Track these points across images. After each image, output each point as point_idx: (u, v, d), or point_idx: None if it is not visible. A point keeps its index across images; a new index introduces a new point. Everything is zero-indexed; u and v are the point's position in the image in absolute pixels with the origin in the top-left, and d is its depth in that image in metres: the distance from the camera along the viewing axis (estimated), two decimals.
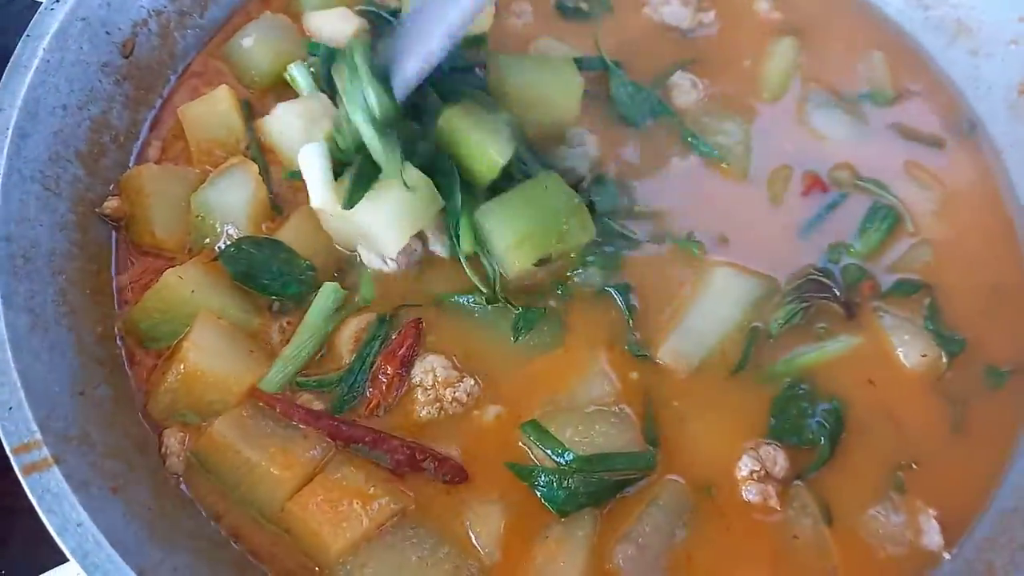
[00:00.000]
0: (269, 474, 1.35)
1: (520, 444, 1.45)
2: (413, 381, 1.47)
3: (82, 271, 1.52)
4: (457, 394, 1.46)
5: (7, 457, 1.23)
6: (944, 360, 1.58)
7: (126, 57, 1.70)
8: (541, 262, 1.55)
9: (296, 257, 1.55)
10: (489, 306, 1.53)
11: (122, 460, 1.34)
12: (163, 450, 1.41)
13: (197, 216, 1.57)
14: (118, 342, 1.51)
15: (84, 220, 1.56)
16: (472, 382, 1.48)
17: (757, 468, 1.42)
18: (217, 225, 1.57)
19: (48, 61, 1.54)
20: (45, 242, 1.46)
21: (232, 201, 1.58)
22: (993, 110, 1.90)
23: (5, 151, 1.43)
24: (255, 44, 1.78)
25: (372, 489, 1.36)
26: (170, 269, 1.50)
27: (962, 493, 1.49)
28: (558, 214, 1.53)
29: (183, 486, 1.40)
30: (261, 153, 1.68)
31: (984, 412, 1.56)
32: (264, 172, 1.64)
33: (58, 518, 1.19)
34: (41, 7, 1.57)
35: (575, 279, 1.59)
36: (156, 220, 1.57)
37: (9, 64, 1.50)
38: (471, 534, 1.37)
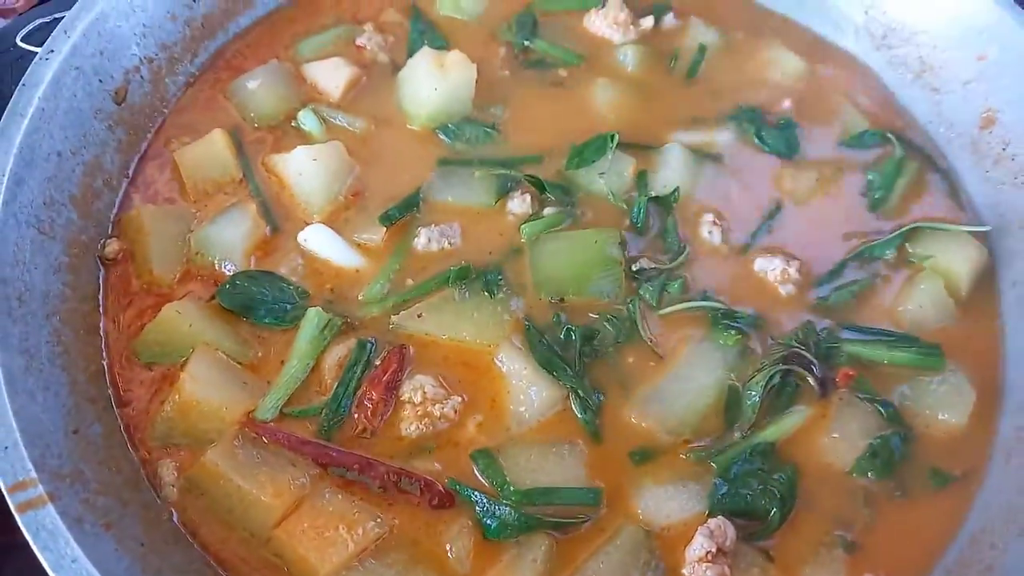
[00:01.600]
0: (260, 502, 1.39)
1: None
2: (403, 398, 1.52)
3: (74, 312, 1.56)
4: (445, 410, 1.51)
5: (1, 495, 1.25)
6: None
7: (119, 104, 1.76)
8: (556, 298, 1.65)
9: (289, 285, 1.64)
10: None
11: (114, 496, 1.37)
12: (158, 482, 1.45)
13: (196, 253, 1.66)
14: (106, 381, 1.55)
15: (77, 262, 1.61)
16: (459, 399, 1.53)
17: (712, 548, 1.40)
18: (215, 262, 1.66)
19: (43, 109, 1.59)
20: (39, 284, 1.50)
21: (230, 238, 1.68)
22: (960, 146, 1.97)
23: (1, 197, 1.47)
24: (259, 87, 1.89)
25: (356, 514, 1.40)
26: (168, 304, 1.57)
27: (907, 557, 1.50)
28: (592, 268, 1.66)
29: (175, 518, 1.44)
30: (259, 187, 1.77)
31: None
32: (264, 205, 1.74)
33: (53, 555, 1.21)
34: (36, 57, 1.63)
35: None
36: (155, 258, 1.64)
37: (5, 112, 1.55)
38: (449, 552, 1.41)
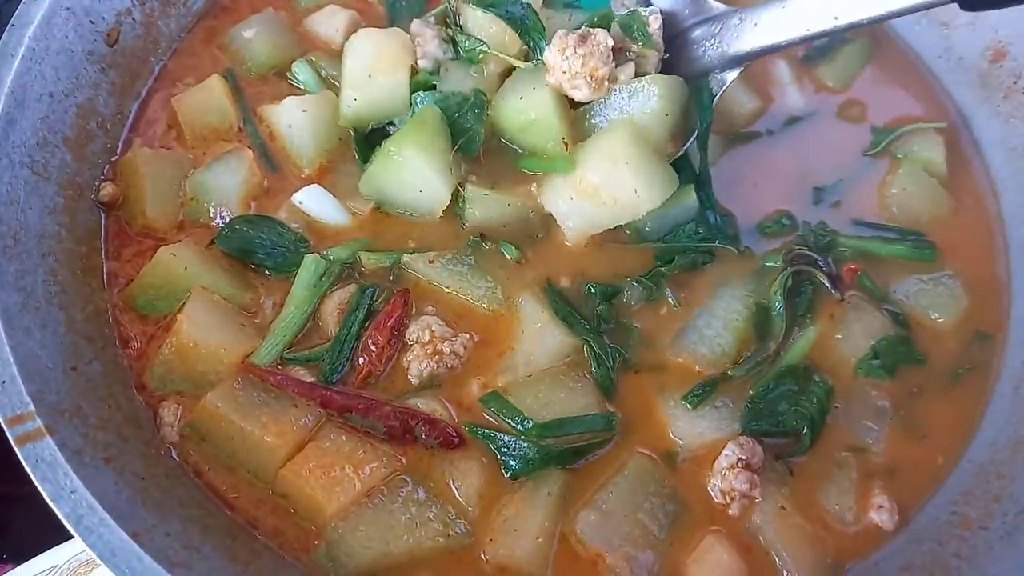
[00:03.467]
0: (263, 442, 1.39)
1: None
2: (410, 339, 1.51)
3: (71, 253, 1.55)
4: (455, 347, 1.50)
5: (5, 446, 1.25)
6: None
7: (111, 46, 1.73)
8: None
9: (288, 231, 1.61)
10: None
11: (114, 432, 1.37)
12: (158, 421, 1.45)
13: (192, 198, 1.64)
14: (110, 320, 1.54)
15: (72, 204, 1.59)
16: (467, 336, 1.52)
17: (743, 457, 1.43)
18: (210, 207, 1.63)
19: (34, 49, 1.56)
20: (34, 225, 1.49)
21: (226, 184, 1.66)
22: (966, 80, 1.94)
23: None
24: (255, 36, 1.86)
25: (363, 453, 1.40)
26: (163, 247, 1.56)
27: (915, 476, 1.53)
28: None
29: (174, 454, 1.44)
30: (258, 133, 1.75)
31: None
32: (263, 149, 1.72)
33: (52, 486, 1.22)
34: None
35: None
36: (148, 202, 1.63)
37: None
38: (454, 490, 1.41)
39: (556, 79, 1.57)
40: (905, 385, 1.58)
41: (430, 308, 1.57)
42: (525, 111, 1.60)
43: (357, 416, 1.44)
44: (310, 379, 1.48)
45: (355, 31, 1.78)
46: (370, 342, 1.51)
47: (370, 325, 1.53)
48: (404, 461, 1.43)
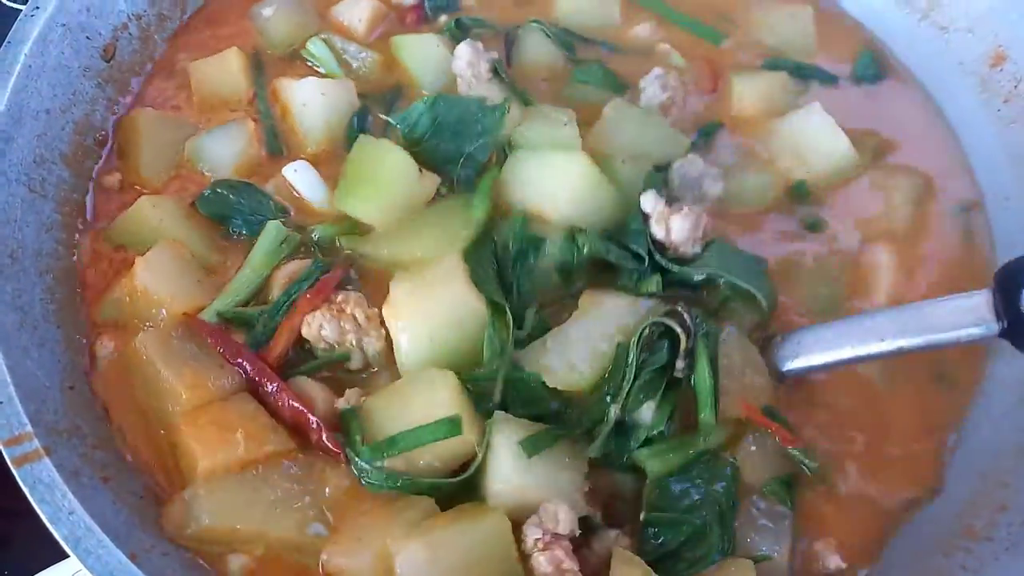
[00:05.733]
0: (173, 389, 1.36)
1: None
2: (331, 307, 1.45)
3: (68, 270, 1.55)
4: (359, 314, 1.45)
5: (6, 461, 1.25)
6: None
7: (107, 61, 1.73)
8: None
9: (268, 199, 1.63)
10: None
11: (111, 450, 1.37)
12: (93, 353, 1.48)
13: (187, 160, 1.68)
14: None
15: (70, 220, 1.59)
16: (376, 311, 1.46)
17: (539, 535, 1.25)
18: (204, 171, 1.68)
19: (30, 67, 1.56)
20: (31, 243, 1.49)
21: (224, 152, 1.69)
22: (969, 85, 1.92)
23: None
24: (274, 14, 1.88)
25: (261, 427, 1.35)
26: (144, 196, 1.60)
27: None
28: None
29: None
30: (270, 112, 1.76)
31: None
32: (270, 128, 1.74)
33: (50, 507, 1.21)
34: (21, 14, 1.60)
35: None
36: (144, 159, 1.67)
37: None
38: (325, 491, 1.34)
39: None
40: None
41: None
42: None
43: (272, 389, 1.39)
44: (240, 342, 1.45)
45: (379, 22, 1.88)
46: (298, 307, 1.46)
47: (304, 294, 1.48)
48: (295, 449, 1.36)
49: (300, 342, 1.47)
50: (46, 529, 1.22)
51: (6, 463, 1.25)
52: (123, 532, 1.22)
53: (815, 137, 1.78)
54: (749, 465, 1.41)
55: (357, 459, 1.33)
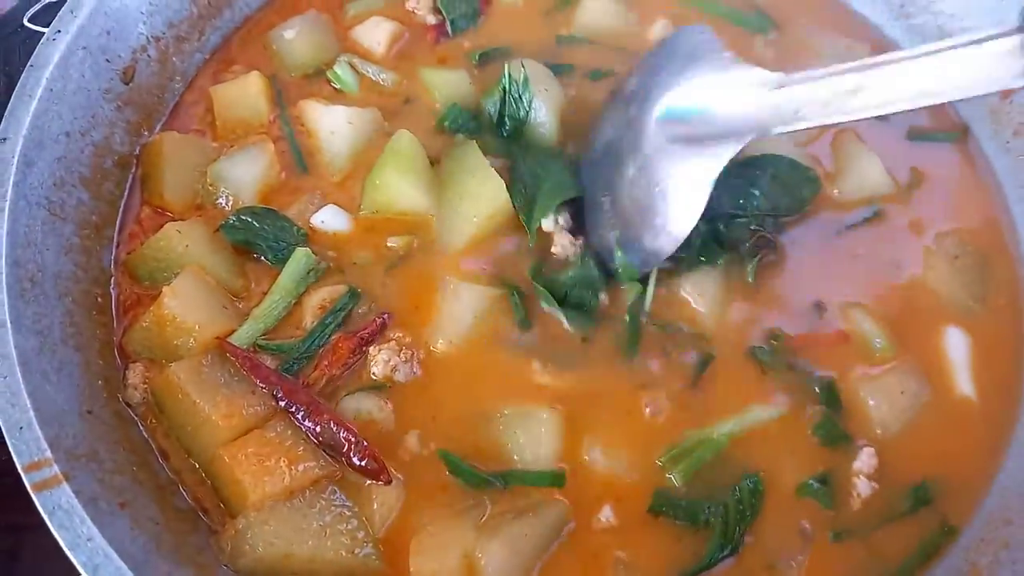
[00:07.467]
0: (209, 420, 1.40)
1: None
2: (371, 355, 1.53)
3: (87, 293, 1.56)
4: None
5: (18, 476, 1.26)
6: None
7: (127, 83, 1.75)
8: None
9: (291, 224, 1.66)
10: None
11: (129, 475, 1.38)
12: (125, 381, 1.50)
13: (210, 184, 1.68)
14: (116, 357, 1.56)
15: (89, 243, 1.61)
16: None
17: None
18: (225, 196, 1.69)
19: (51, 90, 1.58)
20: (51, 265, 1.51)
21: (245, 175, 1.71)
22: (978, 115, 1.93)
23: (11, 179, 1.46)
24: (296, 37, 1.91)
25: (301, 451, 1.39)
26: (171, 223, 1.61)
27: None
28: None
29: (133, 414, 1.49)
30: (293, 134, 1.79)
31: None
32: (296, 150, 1.77)
33: (69, 533, 1.22)
34: (43, 37, 1.62)
35: None
36: (167, 182, 1.68)
37: (14, 94, 1.54)
38: (376, 509, 1.40)
39: None
40: None
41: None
42: None
43: (302, 414, 1.42)
44: (273, 366, 1.50)
45: (397, 41, 1.91)
46: (337, 344, 1.53)
47: (341, 330, 1.55)
48: (339, 470, 1.41)
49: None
50: (55, 544, 1.23)
51: (15, 480, 1.26)
52: (141, 558, 1.24)
53: None
54: None
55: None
